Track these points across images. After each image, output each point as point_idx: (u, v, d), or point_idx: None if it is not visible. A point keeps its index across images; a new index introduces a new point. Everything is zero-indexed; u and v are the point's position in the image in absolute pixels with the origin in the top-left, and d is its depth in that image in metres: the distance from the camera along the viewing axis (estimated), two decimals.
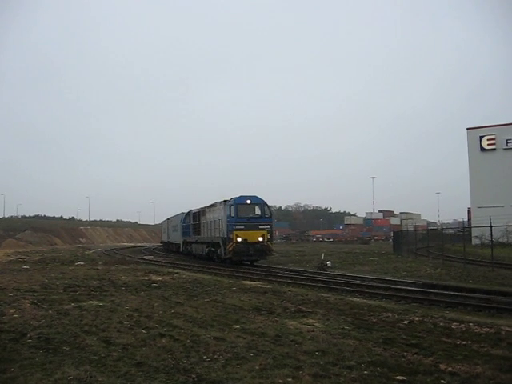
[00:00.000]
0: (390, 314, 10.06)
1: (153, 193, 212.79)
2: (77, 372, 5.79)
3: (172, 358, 6.44)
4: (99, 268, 23.37)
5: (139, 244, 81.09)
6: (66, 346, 7.14)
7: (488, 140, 45.16)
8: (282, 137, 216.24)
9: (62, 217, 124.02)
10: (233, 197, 26.23)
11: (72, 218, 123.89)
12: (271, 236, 25.64)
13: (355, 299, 12.83)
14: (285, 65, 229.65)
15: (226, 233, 25.20)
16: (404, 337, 7.78)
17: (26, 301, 11.78)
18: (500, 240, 32.33)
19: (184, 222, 37.50)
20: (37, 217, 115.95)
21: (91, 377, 5.62)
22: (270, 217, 26.11)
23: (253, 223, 24.99)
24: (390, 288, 15.14)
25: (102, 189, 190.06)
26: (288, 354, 6.65)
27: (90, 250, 52.04)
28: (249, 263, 26.38)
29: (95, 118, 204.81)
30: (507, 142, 44.13)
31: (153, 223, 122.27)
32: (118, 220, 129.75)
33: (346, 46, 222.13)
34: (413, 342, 7.40)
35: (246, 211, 25.29)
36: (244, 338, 7.61)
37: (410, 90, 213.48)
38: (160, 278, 17.76)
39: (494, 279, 17.22)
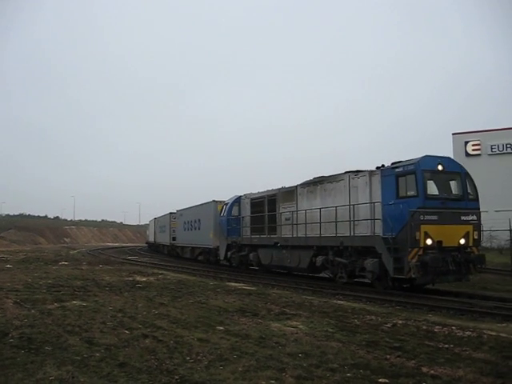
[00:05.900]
0: (373, 317, 10.11)
1: (139, 193, 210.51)
2: (59, 372, 5.75)
3: (155, 359, 6.41)
4: (83, 268, 23.17)
5: (124, 244, 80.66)
6: (49, 346, 7.07)
7: (473, 145, 45.58)
8: (274, 139, 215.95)
9: (46, 216, 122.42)
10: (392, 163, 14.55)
11: (57, 218, 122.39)
12: (479, 236, 14.14)
13: (339, 302, 12.87)
14: (283, 68, 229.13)
15: (392, 229, 13.54)
16: (387, 340, 7.82)
17: (9, 300, 11.65)
18: (484, 245, 32.53)
19: (229, 215, 25.32)
20: (21, 216, 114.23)
21: (73, 377, 5.58)
22: (477, 199, 14.72)
23: (451, 210, 13.59)
24: (373, 291, 15.22)
25: (87, 187, 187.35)
26: (271, 355, 6.66)
27: (74, 249, 51.61)
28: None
29: (89, 116, 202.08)
30: (492, 148, 44.64)
31: (138, 223, 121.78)
32: (102, 220, 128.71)
33: (338, 53, 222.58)
34: (396, 344, 7.45)
35: (439, 186, 13.90)
36: (228, 340, 7.60)
37: (405, 99, 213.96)
38: (144, 279, 17.69)
39: (477, 283, 17.37)
